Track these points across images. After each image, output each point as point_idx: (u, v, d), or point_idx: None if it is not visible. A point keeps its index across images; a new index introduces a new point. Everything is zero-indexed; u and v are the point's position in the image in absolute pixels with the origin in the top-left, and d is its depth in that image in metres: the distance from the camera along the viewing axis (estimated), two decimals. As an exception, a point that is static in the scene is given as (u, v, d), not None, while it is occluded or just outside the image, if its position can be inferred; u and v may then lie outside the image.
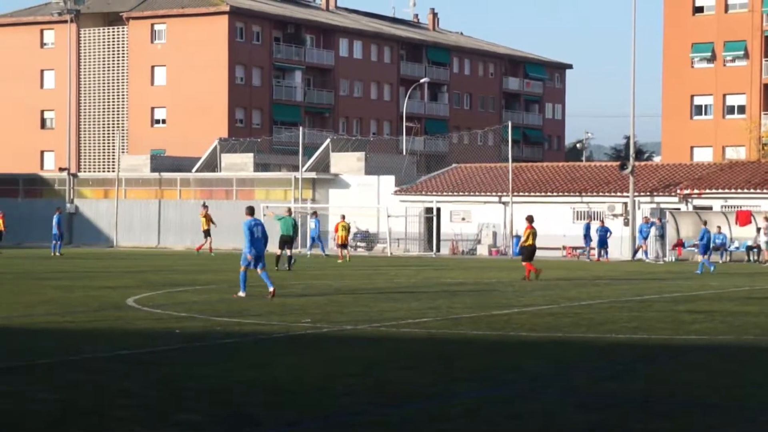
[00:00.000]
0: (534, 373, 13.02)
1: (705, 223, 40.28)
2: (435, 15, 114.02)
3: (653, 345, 16.04)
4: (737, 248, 50.07)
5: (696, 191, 52.90)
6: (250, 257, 23.33)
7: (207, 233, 44.06)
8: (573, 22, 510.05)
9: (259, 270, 23.52)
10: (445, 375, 12.79)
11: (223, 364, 13.63)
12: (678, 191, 53.04)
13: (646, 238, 49.45)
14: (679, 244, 50.88)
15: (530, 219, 32.13)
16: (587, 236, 41.27)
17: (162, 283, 28.32)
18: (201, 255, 46.30)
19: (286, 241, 36.18)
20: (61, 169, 68.77)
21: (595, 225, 51.79)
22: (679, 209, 52.64)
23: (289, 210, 38.79)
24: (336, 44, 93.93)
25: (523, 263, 31.78)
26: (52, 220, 49.36)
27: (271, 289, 23.45)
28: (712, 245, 41.11)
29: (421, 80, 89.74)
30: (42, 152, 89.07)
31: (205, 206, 46.12)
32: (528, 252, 31.64)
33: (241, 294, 23.55)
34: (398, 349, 15.33)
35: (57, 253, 47.41)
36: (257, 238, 23.43)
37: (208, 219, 43.96)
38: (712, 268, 38.35)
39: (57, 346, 15.31)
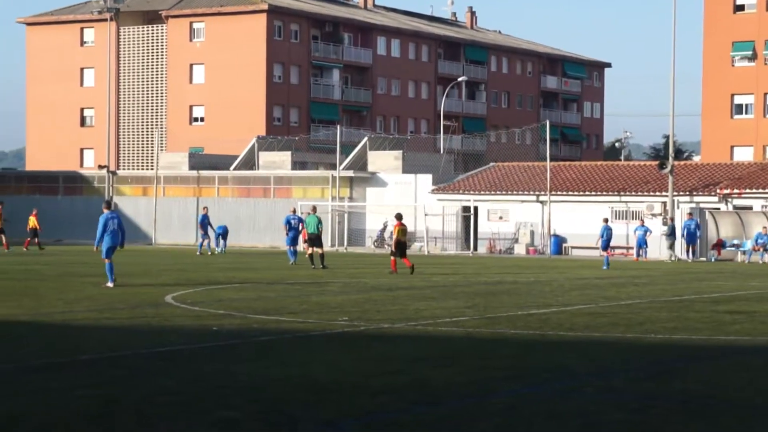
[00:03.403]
0: (572, 373, 12.97)
1: (606, 220, 43.16)
2: (473, 13, 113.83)
3: (693, 345, 15.94)
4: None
5: (736, 191, 52.49)
6: (95, 249, 25.69)
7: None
8: (612, 21, 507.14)
9: (107, 260, 25.25)
10: (483, 374, 12.77)
11: (261, 361, 13.68)
12: (718, 191, 52.66)
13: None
14: (719, 244, 50.54)
15: (399, 217, 34.66)
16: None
17: (200, 281, 28.46)
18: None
19: (313, 239, 36.29)
20: (100, 167, 69.24)
21: (633, 226, 51.50)
22: (718, 209, 52.27)
23: (314, 208, 39.03)
24: (374, 42, 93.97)
25: (392, 258, 33.72)
26: (199, 219, 48.97)
27: (110, 284, 24.96)
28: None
29: (459, 79, 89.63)
30: (81, 150, 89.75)
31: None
32: (400, 248, 33.69)
33: (109, 284, 24.99)
34: (436, 347, 15.32)
35: (209, 251, 47.45)
36: (113, 230, 25.44)
37: None
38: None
39: (97, 342, 15.43)
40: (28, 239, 50.71)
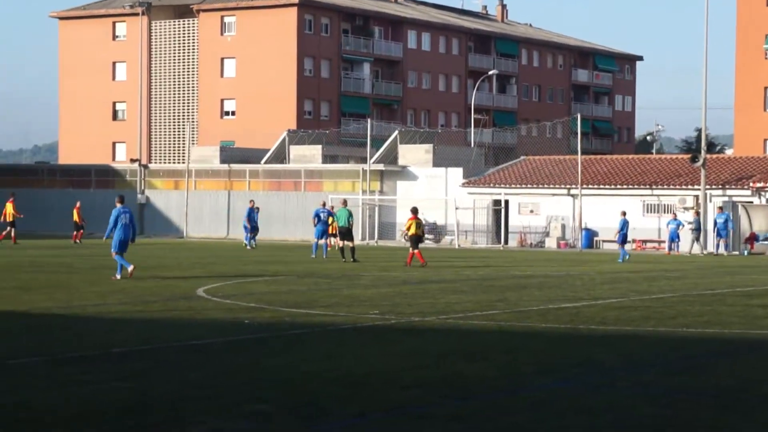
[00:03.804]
0: (603, 367, 12.93)
1: (624, 213, 43.25)
2: (503, 6, 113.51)
3: (725, 339, 15.85)
4: (811, 242, 49.27)
5: (769, 184, 52.09)
6: (104, 240, 26.36)
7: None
8: (644, 14, 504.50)
9: (115, 253, 25.75)
10: (514, 367, 12.75)
11: (292, 354, 13.72)
12: (751, 184, 52.31)
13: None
14: (752, 237, 50.23)
15: (414, 211, 34.93)
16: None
17: (231, 274, 28.56)
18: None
19: (344, 233, 36.34)
20: (132, 161, 69.58)
21: (665, 219, 51.24)
22: (752, 202, 51.92)
23: (344, 201, 39.03)
24: (404, 36, 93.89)
25: (413, 251, 33.83)
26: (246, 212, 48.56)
27: (128, 269, 25.45)
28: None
29: (490, 72, 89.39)
30: (114, 143, 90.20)
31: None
32: (414, 240, 33.98)
33: (117, 276, 25.46)
34: (466, 341, 15.31)
35: (249, 246, 46.92)
36: (125, 224, 25.79)
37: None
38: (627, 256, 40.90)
39: (130, 335, 15.52)
40: (75, 232, 51.01)
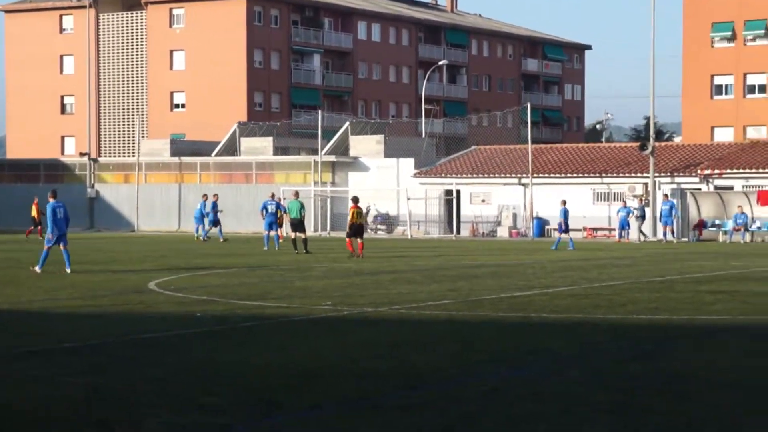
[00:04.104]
0: (555, 355, 13.03)
1: (564, 203, 42.87)
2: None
3: (674, 326, 16.02)
4: (759, 228, 49.89)
5: (717, 171, 52.69)
6: (51, 236, 25.78)
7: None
8: (592, 3, 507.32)
9: (62, 247, 25.87)
10: (466, 357, 12.81)
11: (245, 347, 13.69)
12: (699, 171, 52.85)
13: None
14: (701, 224, 50.77)
15: (355, 200, 35.04)
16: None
17: (183, 267, 28.43)
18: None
19: (296, 224, 36.34)
20: (81, 154, 69.02)
21: (615, 207, 51.63)
22: (699, 189, 52.47)
23: (296, 193, 39.00)
24: (354, 27, 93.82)
25: (348, 239, 34.19)
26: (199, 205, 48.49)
27: (68, 269, 25.59)
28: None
29: (440, 62, 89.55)
30: (62, 137, 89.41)
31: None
32: (355, 229, 33.98)
33: (36, 269, 25.62)
34: (419, 331, 15.36)
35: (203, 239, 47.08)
36: (60, 218, 25.93)
37: None
38: (566, 246, 40.85)
39: (80, 330, 15.41)
40: (31, 227, 50.61)
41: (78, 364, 12.25)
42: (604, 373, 11.78)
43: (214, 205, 47.31)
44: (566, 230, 41.99)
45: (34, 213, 50.76)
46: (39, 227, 49.69)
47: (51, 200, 26.20)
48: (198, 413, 9.63)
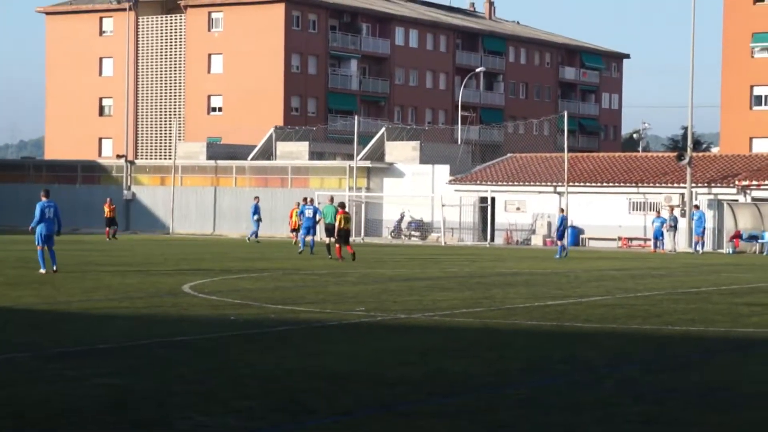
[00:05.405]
0: (589, 364, 12.95)
1: (562, 210, 43.46)
2: (491, 4, 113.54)
3: (710, 338, 15.89)
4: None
5: (755, 182, 52.27)
6: (31, 229, 25.96)
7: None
8: (631, 12, 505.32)
9: (46, 248, 25.89)
10: (500, 365, 12.76)
11: (278, 351, 13.70)
12: (736, 182, 52.46)
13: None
14: (737, 235, 50.37)
15: (342, 205, 35.52)
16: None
17: (217, 270, 28.51)
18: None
19: (330, 230, 36.40)
20: (118, 156, 69.41)
21: (650, 217, 51.31)
22: (737, 200, 52.08)
23: (332, 198, 39.09)
24: (392, 33, 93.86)
25: (337, 246, 34.57)
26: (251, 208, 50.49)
27: (54, 268, 25.66)
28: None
29: (477, 69, 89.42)
30: (100, 139, 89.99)
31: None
32: (342, 235, 34.52)
33: (42, 271, 25.64)
34: (452, 338, 15.32)
35: (256, 239, 48.84)
36: (48, 218, 26.03)
37: None
38: (564, 254, 40.75)
39: (114, 331, 15.48)
40: (108, 229, 51.90)
41: (112, 365, 12.30)
42: (637, 383, 11.70)
43: (256, 207, 48.78)
44: (561, 237, 41.78)
45: (107, 213, 51.99)
46: (116, 227, 51.11)
47: (43, 199, 26.37)
48: (230, 416, 9.65)
